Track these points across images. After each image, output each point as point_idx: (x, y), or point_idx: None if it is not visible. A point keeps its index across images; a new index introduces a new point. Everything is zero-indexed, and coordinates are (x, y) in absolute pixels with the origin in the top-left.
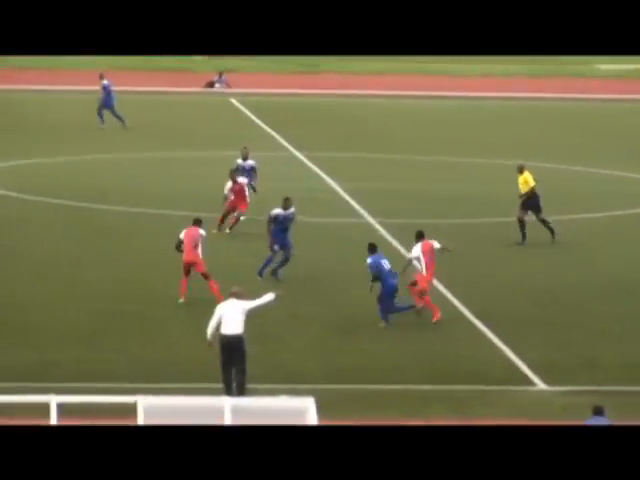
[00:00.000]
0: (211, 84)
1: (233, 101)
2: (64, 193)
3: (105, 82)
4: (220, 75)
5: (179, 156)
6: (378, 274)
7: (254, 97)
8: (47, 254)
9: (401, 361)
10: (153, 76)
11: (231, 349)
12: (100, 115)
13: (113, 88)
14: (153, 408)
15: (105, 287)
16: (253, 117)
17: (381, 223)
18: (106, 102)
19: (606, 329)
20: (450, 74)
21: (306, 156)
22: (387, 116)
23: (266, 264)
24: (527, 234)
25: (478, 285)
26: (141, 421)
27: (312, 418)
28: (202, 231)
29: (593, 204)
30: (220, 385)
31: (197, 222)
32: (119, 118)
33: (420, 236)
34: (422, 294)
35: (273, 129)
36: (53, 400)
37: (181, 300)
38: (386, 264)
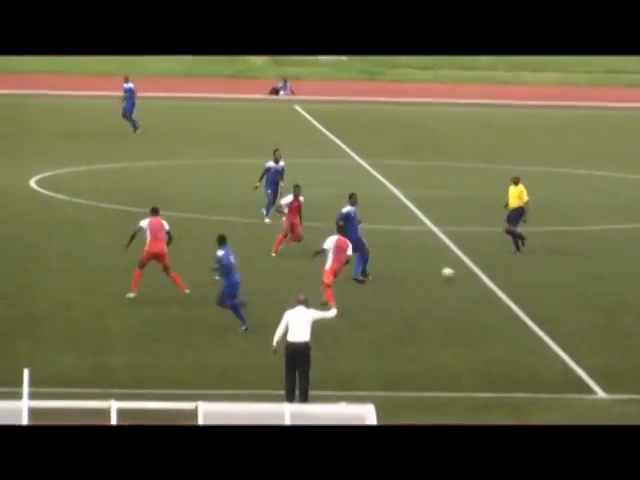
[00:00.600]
0: (276, 91)
1: (297, 108)
2: (120, 198)
3: (129, 85)
4: (284, 82)
5: (241, 163)
6: (227, 268)
7: (318, 104)
8: (100, 259)
9: (457, 368)
10: (214, 82)
11: (298, 356)
12: (130, 120)
13: (136, 92)
14: (213, 414)
15: (154, 292)
16: (317, 124)
17: (443, 231)
18: (127, 105)
19: None
20: (513, 83)
21: (370, 164)
22: (452, 123)
23: (357, 267)
24: (522, 243)
25: (536, 292)
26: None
27: (372, 424)
28: (164, 222)
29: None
30: (279, 392)
31: (155, 212)
32: (133, 124)
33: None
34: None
35: (337, 136)
36: (114, 406)
37: (132, 295)
38: (232, 259)
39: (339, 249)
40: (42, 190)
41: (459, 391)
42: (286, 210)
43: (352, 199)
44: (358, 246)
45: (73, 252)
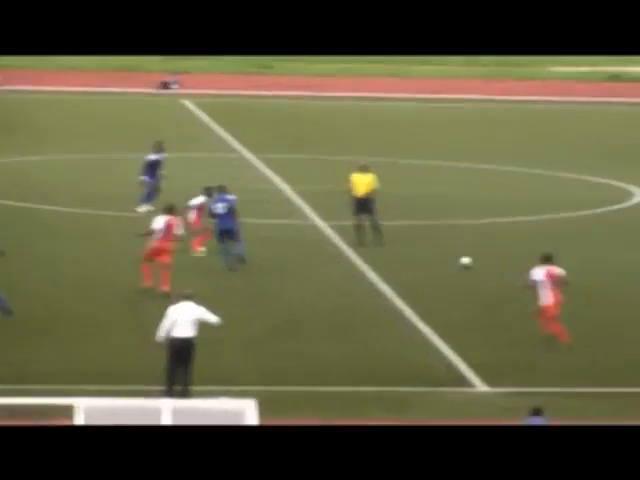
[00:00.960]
0: (165, 85)
1: (186, 102)
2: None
3: None
4: (172, 75)
5: (126, 157)
6: None
7: (207, 98)
8: None
9: (339, 362)
10: (105, 76)
11: (182, 351)
12: None
13: None
14: (93, 410)
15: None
16: (206, 118)
17: (329, 225)
18: None
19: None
20: (402, 75)
21: (257, 158)
22: (338, 118)
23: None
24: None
25: (420, 286)
26: (81, 422)
27: (252, 419)
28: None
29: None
30: (158, 387)
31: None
32: None
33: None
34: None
35: (226, 130)
36: None
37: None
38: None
39: (169, 228)
40: None
41: (339, 385)
42: (191, 214)
43: (208, 190)
44: (229, 235)
45: None
